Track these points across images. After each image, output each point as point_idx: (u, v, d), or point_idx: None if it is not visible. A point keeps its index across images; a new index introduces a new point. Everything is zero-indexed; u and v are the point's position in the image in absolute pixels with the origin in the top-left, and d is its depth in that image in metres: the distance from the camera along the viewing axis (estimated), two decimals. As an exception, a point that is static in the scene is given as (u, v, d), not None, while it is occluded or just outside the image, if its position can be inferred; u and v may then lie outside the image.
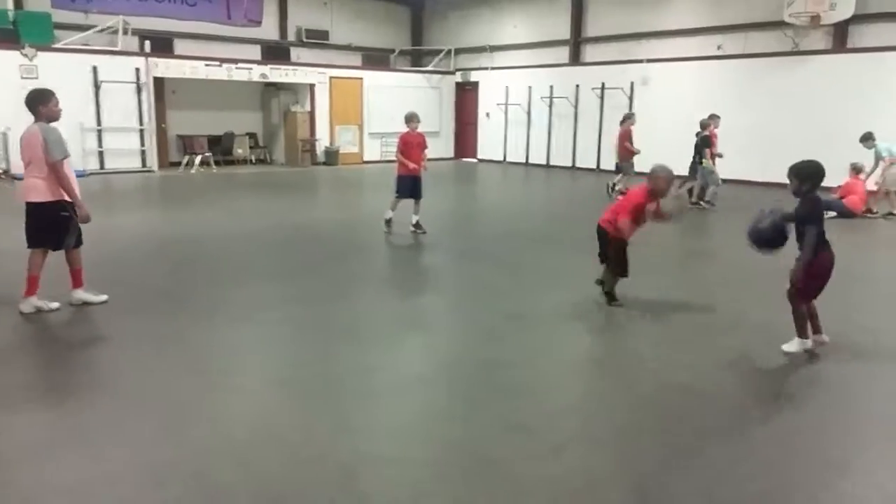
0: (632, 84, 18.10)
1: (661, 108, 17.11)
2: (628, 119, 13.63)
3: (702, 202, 12.23)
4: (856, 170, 11.31)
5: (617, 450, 3.54)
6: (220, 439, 3.55)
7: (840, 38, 14.72)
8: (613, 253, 5.98)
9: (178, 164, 17.81)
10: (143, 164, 16.96)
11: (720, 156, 12.40)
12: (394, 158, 9.49)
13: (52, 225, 5.52)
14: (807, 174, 4.64)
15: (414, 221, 9.23)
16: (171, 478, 3.17)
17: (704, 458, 3.41)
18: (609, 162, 16.63)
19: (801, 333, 4.80)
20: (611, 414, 3.97)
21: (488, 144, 22.43)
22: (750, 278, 7.00)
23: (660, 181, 5.82)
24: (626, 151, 13.41)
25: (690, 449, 3.51)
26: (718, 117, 12.55)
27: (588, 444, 3.59)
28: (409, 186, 9.16)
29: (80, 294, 5.82)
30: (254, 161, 19.93)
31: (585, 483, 3.17)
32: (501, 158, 21.84)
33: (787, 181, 4.72)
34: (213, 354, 4.86)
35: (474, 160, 22.57)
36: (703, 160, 12.04)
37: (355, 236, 9.16)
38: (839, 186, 11.24)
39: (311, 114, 19.83)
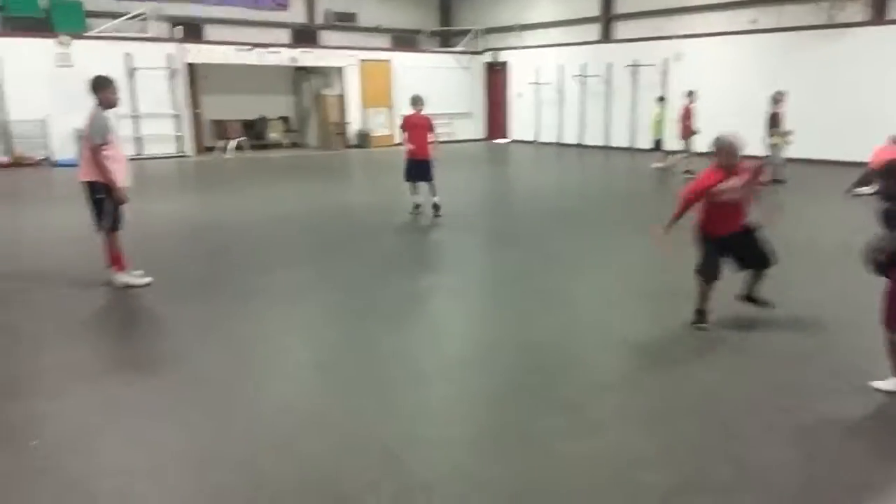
0: (665, 60, 17.77)
1: (695, 85, 16.79)
2: (690, 96, 13.54)
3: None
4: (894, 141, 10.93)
5: (656, 429, 3.52)
6: (263, 425, 3.61)
7: (879, 9, 14.25)
8: (697, 250, 4.88)
9: (213, 148, 18.02)
10: (179, 150, 17.19)
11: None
12: (437, 140, 9.46)
13: (90, 204, 5.76)
14: None
15: (432, 203, 9.12)
16: (217, 464, 3.24)
17: (743, 438, 3.39)
18: (643, 140, 16.44)
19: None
20: (650, 394, 3.96)
21: (520, 125, 22.26)
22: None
23: (721, 155, 4.71)
24: (688, 129, 13.39)
25: (733, 429, 3.49)
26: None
27: (627, 425, 3.59)
28: (414, 169, 9.04)
29: (122, 277, 5.95)
30: (287, 145, 20.08)
31: (626, 462, 3.18)
32: (533, 139, 21.68)
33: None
34: (253, 340, 4.93)
35: (506, 140, 22.44)
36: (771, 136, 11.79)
37: (390, 219, 9.20)
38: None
39: (342, 97, 19.87)
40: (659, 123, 14.21)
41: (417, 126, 9.09)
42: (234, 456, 3.30)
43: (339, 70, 19.72)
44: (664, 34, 17.90)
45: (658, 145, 14.32)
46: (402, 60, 20.85)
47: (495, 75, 22.75)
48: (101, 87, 5.70)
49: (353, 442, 3.40)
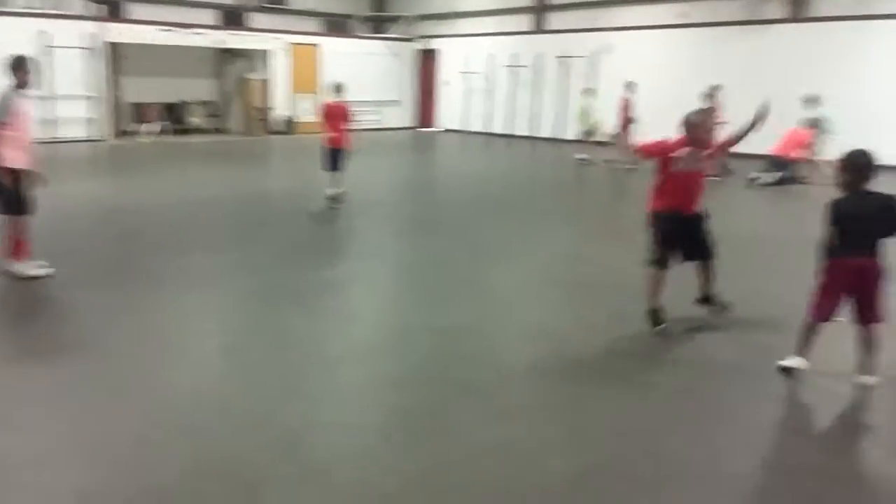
0: (596, 52, 18.01)
1: (625, 78, 17.09)
2: (629, 87, 13.78)
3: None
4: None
5: (567, 416, 3.52)
6: (162, 409, 3.46)
7: (797, 6, 14.79)
8: (650, 238, 4.66)
9: (131, 132, 17.30)
10: (95, 133, 16.43)
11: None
12: (353, 128, 9.22)
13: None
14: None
15: (330, 194, 8.75)
16: (113, 443, 3.10)
17: (650, 423, 3.42)
18: (572, 132, 16.64)
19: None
20: (562, 381, 3.95)
21: (449, 113, 22.23)
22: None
23: (698, 130, 4.54)
24: (627, 120, 13.55)
25: (638, 412, 3.52)
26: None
27: (537, 411, 3.57)
28: (330, 158, 8.74)
29: (19, 266, 5.52)
30: (209, 130, 19.47)
31: (534, 448, 3.15)
32: (463, 128, 21.69)
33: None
34: (162, 325, 4.72)
35: (435, 129, 22.37)
36: None
37: (309, 206, 8.96)
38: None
39: (267, 81, 19.39)
40: (585, 115, 14.35)
41: (338, 115, 8.84)
42: (130, 439, 3.15)
43: (264, 54, 19.23)
44: (596, 26, 18.13)
45: (586, 136, 14.46)
46: (332, 46, 20.49)
47: (426, 63, 22.64)
48: (17, 67, 5.50)
49: (255, 426, 3.28)
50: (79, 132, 16.02)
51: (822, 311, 3.84)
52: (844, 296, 3.79)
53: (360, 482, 2.84)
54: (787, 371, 3.89)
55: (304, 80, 20.03)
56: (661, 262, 4.56)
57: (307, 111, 20.17)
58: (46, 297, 5.24)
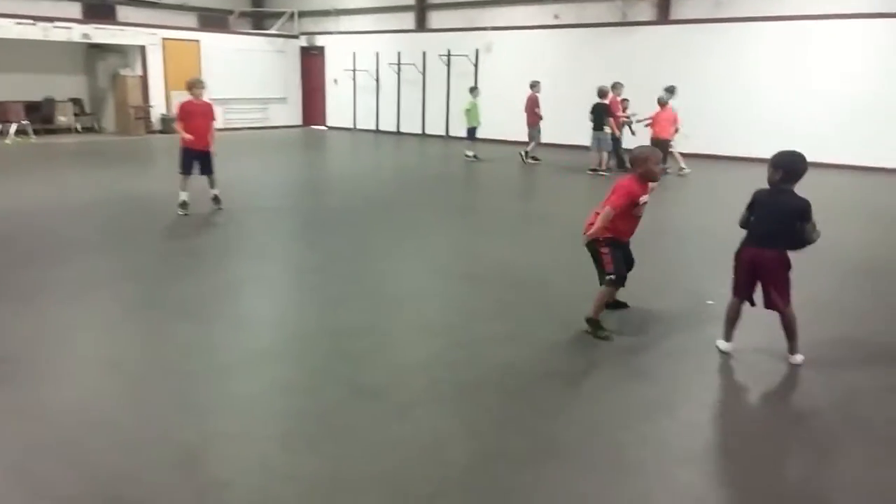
0: (476, 51, 18.38)
1: (504, 76, 17.53)
2: (535, 86, 14.06)
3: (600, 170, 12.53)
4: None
5: (460, 407, 3.62)
6: (41, 429, 3.27)
7: (663, 9, 15.68)
8: (608, 259, 4.67)
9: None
10: (-54, 134, 15.15)
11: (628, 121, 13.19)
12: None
13: None
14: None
15: (213, 195, 8.49)
16: (-16, 476, 2.88)
17: (539, 409, 3.58)
18: (458, 129, 16.89)
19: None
20: (456, 373, 4.06)
21: (337, 111, 22.04)
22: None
23: (650, 163, 4.61)
24: (535, 117, 14.02)
25: (531, 402, 3.67)
26: (622, 85, 13.15)
27: (433, 404, 3.65)
28: (196, 161, 8.25)
29: None
30: (80, 129, 18.35)
31: (431, 443, 3.22)
32: (351, 125, 21.55)
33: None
34: (35, 340, 4.44)
35: (323, 127, 22.11)
36: (605, 127, 12.53)
37: (191, 210, 8.67)
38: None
39: (144, 78, 18.51)
40: (470, 112, 14.61)
41: (199, 114, 8.21)
42: (6, 464, 2.96)
43: (140, 49, 18.34)
44: (476, 25, 18.49)
45: (471, 134, 14.74)
46: (212, 42, 19.80)
47: (312, 60, 22.31)
48: None
49: (147, 443, 3.16)
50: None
51: (735, 292, 4.23)
52: (752, 280, 4.15)
53: (260, 491, 2.81)
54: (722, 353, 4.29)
55: (183, 78, 19.19)
56: (621, 280, 4.69)
57: (185, 109, 19.41)
58: None
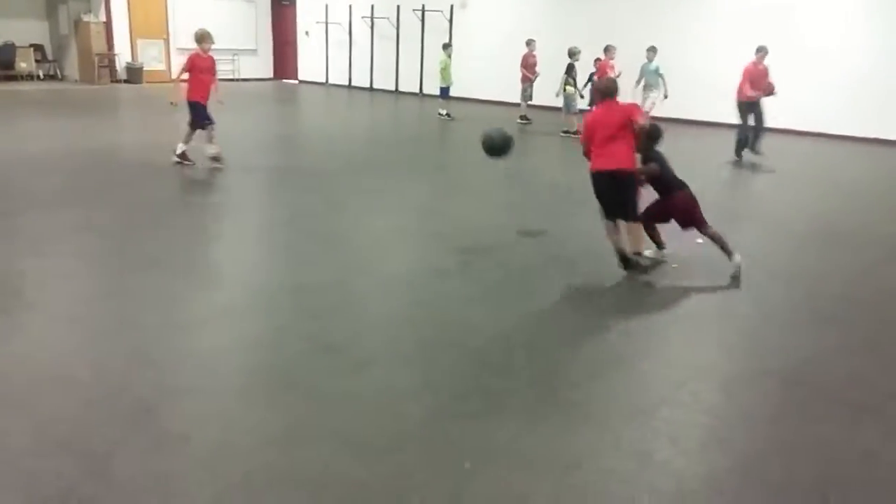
0: (451, 7, 18.09)
1: (479, 33, 17.32)
2: (529, 44, 13.87)
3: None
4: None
5: (418, 364, 3.68)
6: (-4, 383, 3.26)
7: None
8: (629, 188, 5.05)
9: (-54, 78, 15.52)
10: None
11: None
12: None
13: None
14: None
15: (214, 153, 8.33)
16: (-63, 428, 2.88)
17: (493, 367, 3.65)
18: (432, 87, 16.70)
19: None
20: (415, 331, 4.11)
21: (309, 65, 21.65)
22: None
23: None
24: (527, 76, 13.83)
25: (487, 360, 3.73)
26: (614, 47, 12.74)
27: (392, 360, 3.70)
28: (201, 113, 8.15)
29: None
30: (41, 77, 17.83)
31: (388, 398, 3.28)
32: (323, 80, 21.20)
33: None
34: (-11, 292, 4.40)
35: (295, 81, 21.73)
36: (567, 87, 12.51)
37: (155, 161, 8.52)
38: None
39: (108, 25, 17.96)
40: (445, 70, 14.42)
41: (204, 68, 8.18)
42: (-43, 422, 2.95)
43: (102, -6, 17.77)
44: (450, -20, 18.15)
45: (444, 92, 14.58)
46: (178, -12, 19.24)
47: (283, 11, 21.81)
48: None
49: (105, 397, 3.17)
50: None
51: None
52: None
53: (220, 444, 2.85)
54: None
55: (149, 25, 18.72)
56: (605, 215, 5.15)
57: (154, 58, 18.93)
58: None
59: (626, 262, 5.05)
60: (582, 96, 12.78)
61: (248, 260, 5.46)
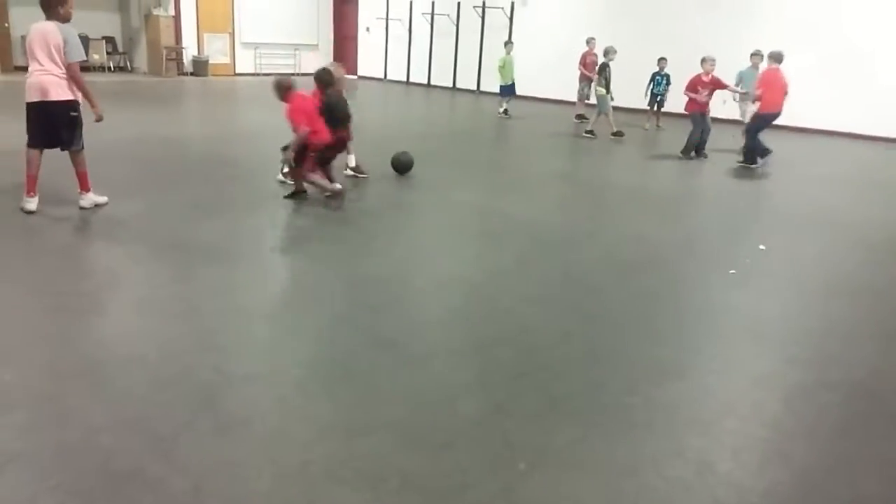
0: (512, 4, 18.03)
1: (539, 31, 17.22)
2: (588, 42, 13.84)
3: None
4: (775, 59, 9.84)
5: (475, 362, 3.69)
6: (72, 361, 3.40)
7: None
8: None
9: (25, 68, 16.18)
10: (-17, 67, 15.32)
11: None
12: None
13: (70, 123, 5.68)
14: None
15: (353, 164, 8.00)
16: (19, 401, 3.02)
17: (551, 368, 3.63)
18: (489, 84, 16.68)
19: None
20: (471, 328, 4.13)
21: (369, 60, 21.87)
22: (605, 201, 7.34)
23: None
24: (586, 76, 13.78)
25: (544, 361, 3.72)
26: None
27: (448, 357, 3.72)
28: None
29: (92, 197, 5.99)
30: (112, 69, 18.45)
31: (443, 394, 3.30)
32: (382, 76, 21.39)
33: None
34: (65, 275, 4.59)
35: (353, 76, 21.98)
36: (598, 88, 12.35)
37: (224, 153, 8.76)
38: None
39: (177, 19, 18.47)
40: (504, 68, 14.33)
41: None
42: (39, 393, 3.09)
43: (172, -11, 18.28)
44: (512, -23, 18.09)
45: (504, 90, 14.47)
46: (245, -17, 19.67)
47: (345, 7, 22.08)
48: (62, 1, 5.47)
49: (170, 379, 3.28)
50: (-34, 66, 14.91)
51: None
52: None
53: (279, 431, 2.92)
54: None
55: (215, 20, 19.19)
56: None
57: (219, 52, 19.41)
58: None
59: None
60: (612, 98, 12.45)
61: (305, 253, 5.55)
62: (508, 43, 14.74)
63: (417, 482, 2.62)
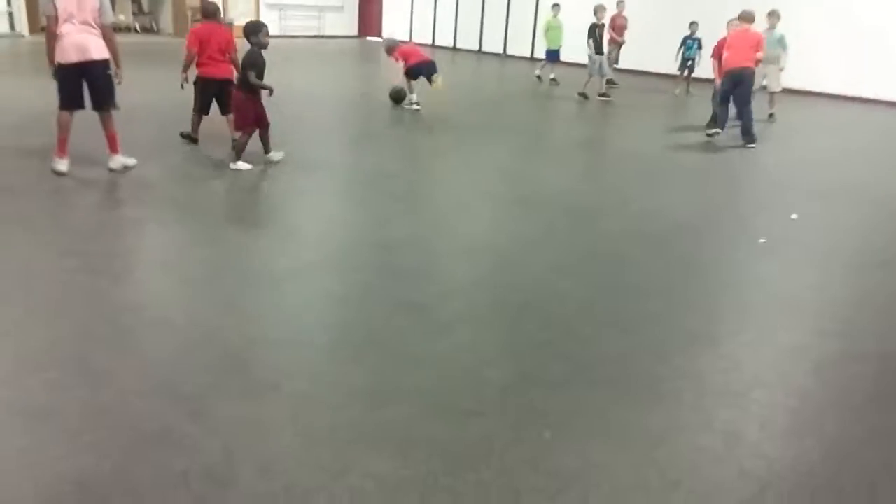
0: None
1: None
2: (619, 5, 13.59)
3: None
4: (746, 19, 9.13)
5: (501, 329, 3.67)
6: (100, 323, 3.44)
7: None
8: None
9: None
10: (12, 28, 15.36)
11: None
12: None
13: (108, 82, 5.76)
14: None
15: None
16: (48, 361, 3.07)
17: (577, 337, 3.61)
18: (516, 48, 16.40)
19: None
20: (496, 296, 4.10)
21: (394, 23, 21.60)
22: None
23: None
24: (614, 39, 13.58)
25: (572, 330, 3.70)
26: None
27: (475, 324, 3.71)
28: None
29: (121, 159, 5.97)
30: (138, 29, 18.42)
31: (471, 362, 3.30)
32: (407, 39, 21.14)
33: None
34: (95, 237, 4.64)
35: (379, 39, 21.73)
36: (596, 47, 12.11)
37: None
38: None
39: (202, -21, 18.35)
40: (549, 32, 13.86)
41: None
42: (68, 353, 3.13)
43: (197, -52, 18.11)
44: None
45: (549, 56, 14.07)
46: (269, -57, 19.45)
47: (370, -33, 21.78)
48: None
49: (197, 342, 3.31)
50: (-7, 27, 14.98)
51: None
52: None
53: (307, 395, 2.94)
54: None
55: (240, -20, 19.04)
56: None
57: (243, 14, 19.27)
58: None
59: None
60: (604, 59, 12.23)
61: (331, 217, 5.55)
62: (555, 6, 14.15)
63: (445, 448, 2.63)
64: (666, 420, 2.91)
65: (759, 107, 9.87)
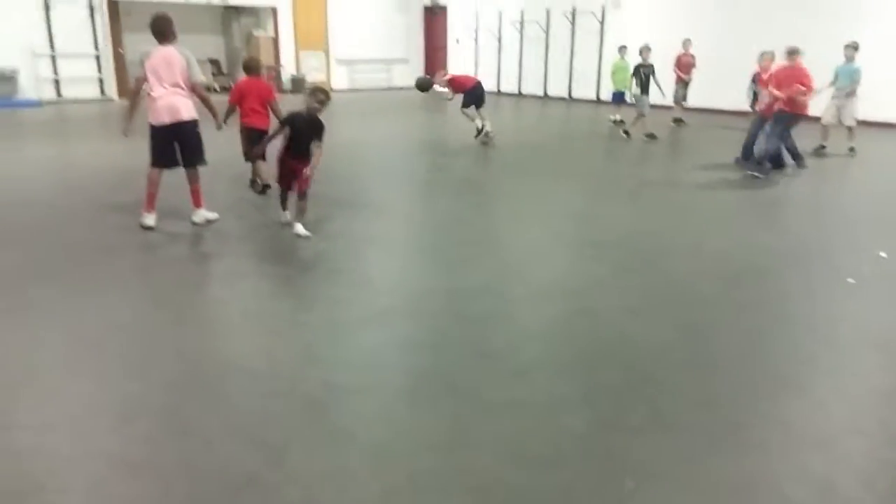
0: (603, 8, 17.76)
1: (632, 34, 16.86)
2: (685, 44, 13.73)
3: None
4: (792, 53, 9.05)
5: (578, 375, 3.63)
6: (187, 373, 3.57)
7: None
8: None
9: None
10: (102, 92, 16.41)
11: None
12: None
13: (198, 141, 6.08)
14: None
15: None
16: (138, 413, 3.19)
17: (656, 382, 3.53)
18: (581, 91, 16.44)
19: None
20: (573, 342, 4.06)
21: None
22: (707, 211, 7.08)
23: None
24: (680, 78, 13.76)
25: (649, 375, 3.62)
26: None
27: (550, 370, 3.68)
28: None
29: (204, 213, 6.30)
30: (218, 90, 19.36)
31: (548, 408, 3.26)
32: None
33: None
34: (181, 289, 4.84)
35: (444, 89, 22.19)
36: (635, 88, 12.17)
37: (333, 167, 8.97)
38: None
39: (276, 39, 19.23)
40: (615, 74, 13.74)
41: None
42: (157, 405, 3.26)
43: (272, 10, 19.04)
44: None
45: (615, 98, 14.02)
46: (338, 1, 20.25)
47: (434, 20, 22.37)
48: (172, 25, 5.94)
49: (278, 391, 3.39)
50: (86, 92, 16.02)
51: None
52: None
53: (383, 442, 2.96)
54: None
55: (311, 38, 19.85)
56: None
57: (315, 69, 20.05)
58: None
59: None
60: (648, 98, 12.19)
61: (403, 263, 5.63)
62: (622, 48, 13.96)
63: (524, 497, 2.60)
64: (753, 469, 2.80)
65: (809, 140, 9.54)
